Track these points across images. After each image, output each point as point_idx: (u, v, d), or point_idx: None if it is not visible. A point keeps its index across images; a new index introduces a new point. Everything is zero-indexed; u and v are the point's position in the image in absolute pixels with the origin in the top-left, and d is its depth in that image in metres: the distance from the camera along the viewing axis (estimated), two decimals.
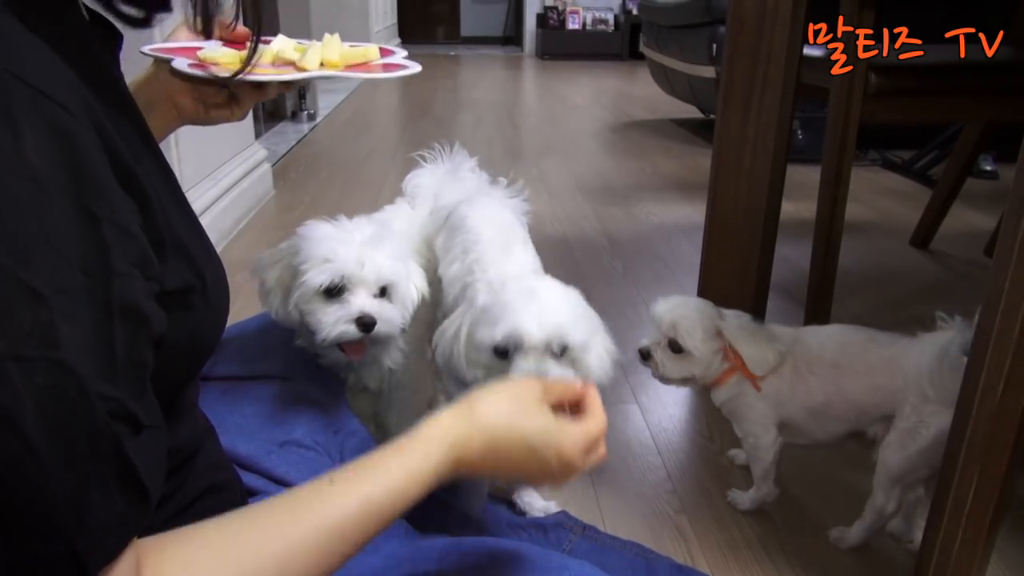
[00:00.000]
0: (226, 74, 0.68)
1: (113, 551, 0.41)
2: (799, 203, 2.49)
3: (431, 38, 9.71)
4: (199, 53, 0.72)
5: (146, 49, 0.72)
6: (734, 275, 1.71)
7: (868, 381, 1.04)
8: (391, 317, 0.95)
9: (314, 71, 0.72)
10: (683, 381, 1.12)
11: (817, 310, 1.62)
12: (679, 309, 1.10)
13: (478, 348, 0.90)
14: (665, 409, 1.44)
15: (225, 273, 0.60)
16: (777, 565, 1.05)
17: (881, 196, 2.92)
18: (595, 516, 1.13)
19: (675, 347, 1.09)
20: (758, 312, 1.71)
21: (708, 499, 1.19)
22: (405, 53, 0.83)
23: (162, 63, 0.73)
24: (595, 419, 0.66)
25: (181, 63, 0.68)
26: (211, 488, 0.64)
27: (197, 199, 2.02)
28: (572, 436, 0.63)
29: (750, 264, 1.67)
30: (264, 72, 0.73)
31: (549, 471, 0.63)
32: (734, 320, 1.11)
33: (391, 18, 7.59)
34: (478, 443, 0.59)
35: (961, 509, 0.85)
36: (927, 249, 2.34)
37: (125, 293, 0.41)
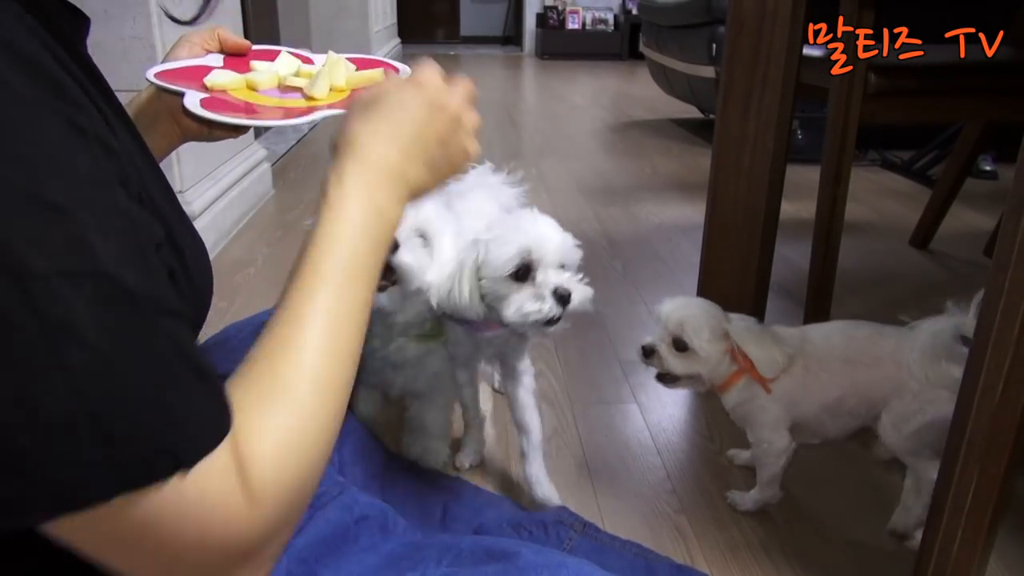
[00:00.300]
0: (237, 120, 0.68)
1: (205, 443, 0.41)
2: (799, 203, 2.49)
3: (431, 38, 9.71)
4: (206, 80, 0.71)
5: (151, 77, 0.71)
6: (734, 275, 1.71)
7: (878, 373, 1.06)
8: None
9: (323, 110, 0.71)
10: (687, 380, 1.11)
11: (817, 310, 1.62)
12: (686, 308, 1.10)
13: (493, 275, 0.94)
14: (665, 409, 1.44)
15: (208, 256, 0.60)
16: (777, 565, 1.05)
17: (881, 196, 2.92)
18: (595, 516, 1.13)
19: (680, 345, 1.08)
20: (758, 312, 1.71)
21: (708, 499, 1.19)
22: (409, 71, 0.82)
23: (170, 93, 0.72)
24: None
25: (193, 101, 0.67)
26: None
27: (197, 199, 2.02)
28: (422, 75, 0.62)
29: (750, 264, 1.67)
30: (270, 103, 0.72)
31: (432, 109, 0.61)
32: (740, 323, 1.11)
33: (391, 18, 7.59)
34: (362, 141, 0.58)
35: (960, 509, 0.85)
36: (927, 249, 2.34)
37: (124, 201, 0.41)
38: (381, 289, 0.94)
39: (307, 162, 3.30)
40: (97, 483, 0.37)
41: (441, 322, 1.10)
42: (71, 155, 0.38)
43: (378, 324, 1.05)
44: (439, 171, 0.62)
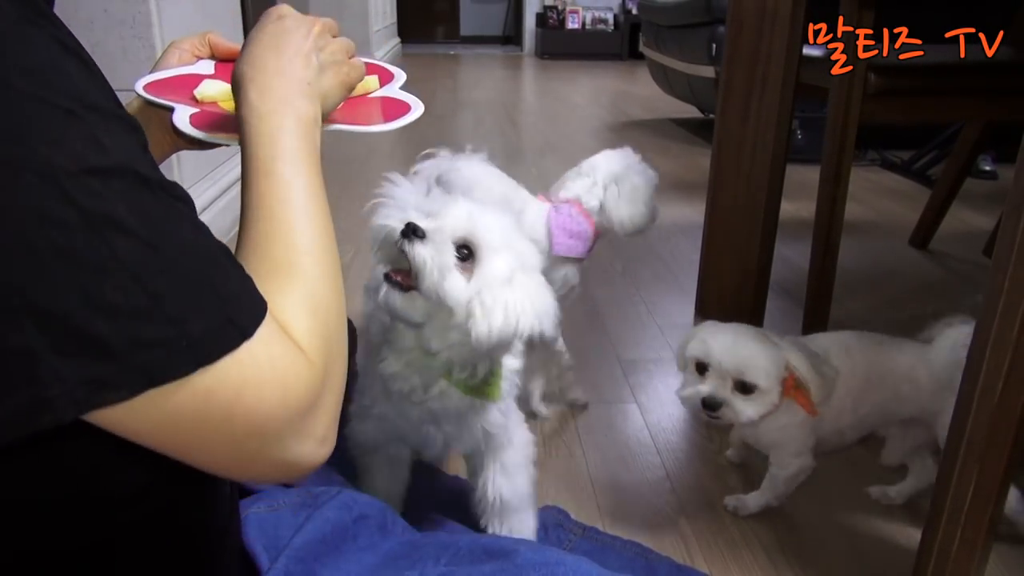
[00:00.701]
0: (227, 141, 0.68)
1: (258, 312, 0.45)
2: (798, 203, 2.49)
3: (431, 37, 9.71)
4: (196, 92, 0.70)
5: (140, 90, 0.69)
6: (733, 275, 1.71)
7: (899, 390, 1.06)
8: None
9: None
10: (760, 420, 1.03)
11: (816, 310, 1.62)
12: (740, 347, 1.00)
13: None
14: (664, 408, 1.44)
15: None
16: (776, 565, 1.05)
17: (880, 196, 2.92)
18: (595, 515, 1.13)
19: (744, 388, 1.01)
20: (757, 312, 1.71)
21: (708, 499, 1.19)
22: (404, 78, 0.81)
23: (159, 108, 0.70)
24: None
25: (182, 118, 0.67)
26: (203, 479, 0.64)
27: (196, 198, 2.02)
28: (275, 11, 0.65)
29: (749, 264, 1.67)
30: None
31: (266, 25, 0.64)
32: (791, 347, 1.03)
33: (391, 17, 7.59)
34: (250, 75, 0.61)
35: (960, 509, 0.85)
36: (926, 249, 2.34)
37: (116, 106, 0.43)
38: (400, 287, 0.79)
39: None
40: (177, 358, 0.40)
41: (496, 373, 0.89)
42: (65, 65, 0.40)
43: (416, 355, 0.85)
44: (326, 73, 0.65)
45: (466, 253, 0.79)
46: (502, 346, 0.83)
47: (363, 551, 0.72)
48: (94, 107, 0.40)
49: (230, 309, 0.43)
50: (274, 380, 0.45)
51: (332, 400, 0.51)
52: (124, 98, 0.60)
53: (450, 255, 0.78)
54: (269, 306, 0.47)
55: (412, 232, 0.77)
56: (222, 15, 2.29)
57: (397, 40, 7.94)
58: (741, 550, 1.08)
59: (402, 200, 0.83)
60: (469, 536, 0.76)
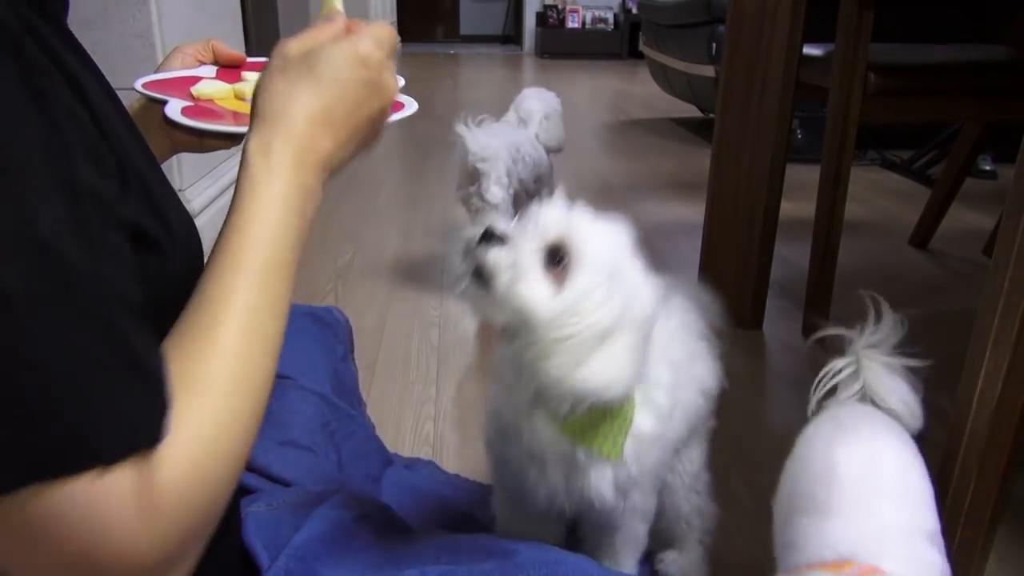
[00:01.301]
0: (216, 126, 0.66)
1: (124, 444, 0.38)
2: (798, 203, 2.49)
3: (430, 37, 9.70)
4: (193, 90, 0.70)
5: (139, 87, 0.70)
6: (733, 275, 1.71)
7: None
8: None
9: None
10: None
11: (816, 310, 1.63)
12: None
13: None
14: None
15: (197, 230, 0.59)
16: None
17: (880, 196, 2.92)
18: None
19: None
20: (757, 312, 1.71)
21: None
22: (403, 82, 0.82)
23: (155, 103, 0.70)
24: (373, 25, 0.59)
25: (174, 109, 0.66)
26: None
27: (196, 197, 2.02)
28: (358, 36, 0.56)
29: (749, 263, 1.67)
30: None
31: (368, 88, 0.56)
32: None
33: (390, 16, 7.59)
34: (291, 113, 0.53)
35: (959, 509, 0.85)
36: (926, 249, 2.34)
37: (86, 174, 0.40)
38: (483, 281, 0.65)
39: None
40: (5, 464, 0.35)
41: (611, 418, 0.69)
42: (21, 118, 0.37)
43: (511, 377, 0.71)
44: (360, 149, 0.59)
45: (559, 259, 0.65)
46: (581, 400, 0.65)
47: (363, 550, 0.72)
48: (36, 169, 0.36)
49: (91, 430, 0.37)
50: (97, 524, 0.38)
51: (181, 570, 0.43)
52: (124, 97, 0.60)
53: (532, 254, 0.65)
54: (148, 446, 0.40)
55: (489, 237, 0.66)
56: (222, 14, 2.29)
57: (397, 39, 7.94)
58: (741, 549, 1.08)
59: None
60: (470, 535, 0.76)
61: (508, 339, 0.68)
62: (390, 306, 1.86)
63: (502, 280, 0.64)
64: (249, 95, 0.72)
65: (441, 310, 1.83)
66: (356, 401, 1.15)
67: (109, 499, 0.38)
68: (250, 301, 0.48)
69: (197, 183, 2.08)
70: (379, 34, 0.57)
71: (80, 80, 0.45)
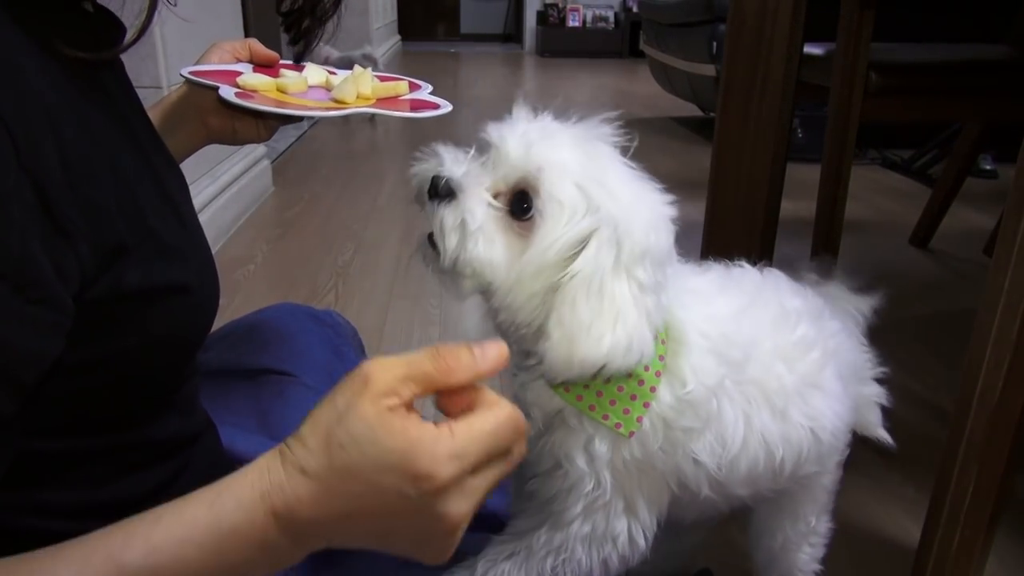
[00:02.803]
0: (273, 109, 0.70)
1: None
2: (799, 202, 2.48)
3: (431, 35, 9.69)
4: (239, 80, 0.74)
5: (185, 73, 0.73)
6: None
7: None
8: None
9: (353, 107, 0.74)
10: None
11: None
12: None
13: None
14: None
15: (216, 270, 0.60)
16: None
17: (881, 195, 2.92)
18: None
19: None
20: None
21: None
22: (431, 88, 0.85)
23: (203, 88, 0.74)
24: (483, 413, 0.43)
25: (227, 92, 0.70)
26: (209, 481, 0.64)
27: (196, 195, 2.02)
28: (431, 441, 0.40)
29: (749, 262, 1.67)
30: (303, 104, 0.75)
31: (412, 508, 0.40)
32: None
33: (391, 15, 7.58)
34: (300, 486, 0.41)
35: (959, 508, 0.85)
36: (927, 248, 2.34)
37: (17, 254, 0.38)
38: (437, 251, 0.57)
39: (307, 160, 3.30)
40: None
41: (619, 381, 0.57)
42: None
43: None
44: (364, 538, 0.46)
45: (526, 205, 0.54)
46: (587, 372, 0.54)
47: (363, 551, 0.72)
48: None
49: None
50: None
51: None
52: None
53: (485, 207, 0.55)
54: None
55: (435, 189, 0.56)
56: (222, 12, 2.29)
57: (397, 38, 7.93)
58: (740, 549, 1.08)
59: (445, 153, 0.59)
60: (474, 535, 0.76)
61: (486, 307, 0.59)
62: (390, 305, 1.86)
63: (449, 245, 0.54)
64: (291, 88, 0.76)
65: (441, 309, 1.83)
66: None
67: None
68: None
69: (197, 181, 2.08)
70: (470, 440, 0.41)
71: (75, 167, 0.43)
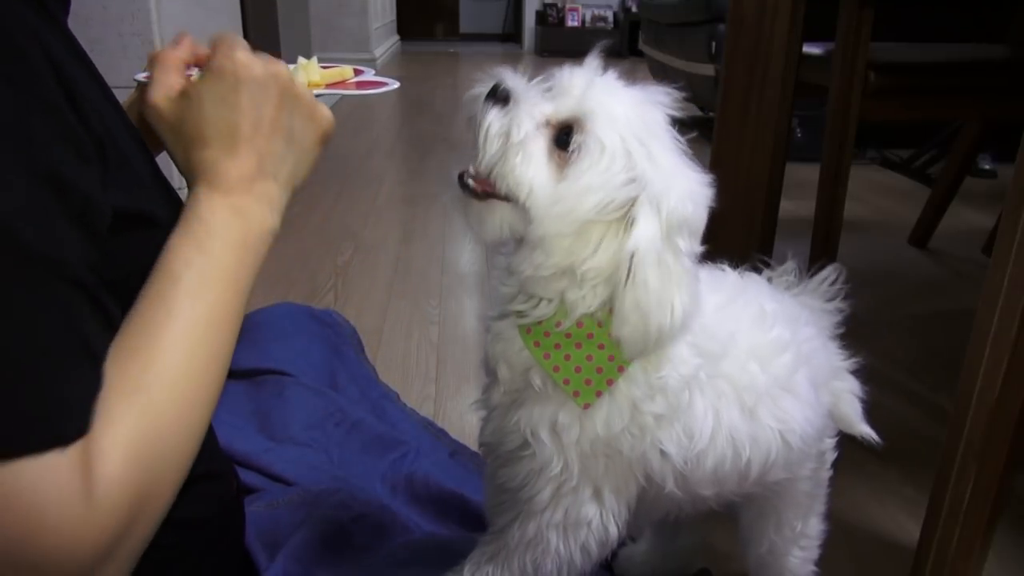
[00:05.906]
0: None
1: (66, 428, 0.38)
2: (798, 201, 2.48)
3: (430, 35, 9.69)
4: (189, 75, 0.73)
5: (139, 77, 0.72)
6: None
7: None
8: None
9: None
10: None
11: None
12: None
13: None
14: None
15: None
16: None
17: (880, 195, 2.92)
18: None
19: None
20: None
21: None
22: (374, 72, 0.85)
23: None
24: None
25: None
26: (207, 474, 0.64)
27: None
28: (222, 60, 0.54)
29: (749, 262, 1.67)
30: None
31: (252, 91, 0.54)
32: None
33: (390, 14, 7.57)
34: (207, 162, 0.53)
35: (958, 508, 0.85)
36: (926, 248, 2.34)
37: (54, 162, 0.40)
38: (474, 193, 0.57)
39: None
40: None
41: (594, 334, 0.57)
42: None
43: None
44: (302, 149, 0.57)
45: (567, 142, 0.55)
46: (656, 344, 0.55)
47: (360, 551, 0.72)
48: None
49: (37, 411, 0.38)
50: (27, 511, 0.37)
51: (114, 565, 0.42)
52: (121, 95, 0.60)
53: (531, 121, 0.56)
54: (95, 426, 0.40)
55: (494, 92, 0.58)
56: (221, 10, 2.28)
57: (396, 37, 7.93)
58: (739, 549, 1.08)
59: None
60: (465, 535, 0.76)
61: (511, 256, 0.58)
62: (390, 305, 1.86)
63: (490, 150, 0.55)
64: None
65: (441, 309, 1.83)
66: (382, 395, 1.13)
67: (48, 481, 0.38)
68: (188, 311, 0.47)
69: None
70: (234, 48, 0.55)
71: (66, 71, 0.45)
